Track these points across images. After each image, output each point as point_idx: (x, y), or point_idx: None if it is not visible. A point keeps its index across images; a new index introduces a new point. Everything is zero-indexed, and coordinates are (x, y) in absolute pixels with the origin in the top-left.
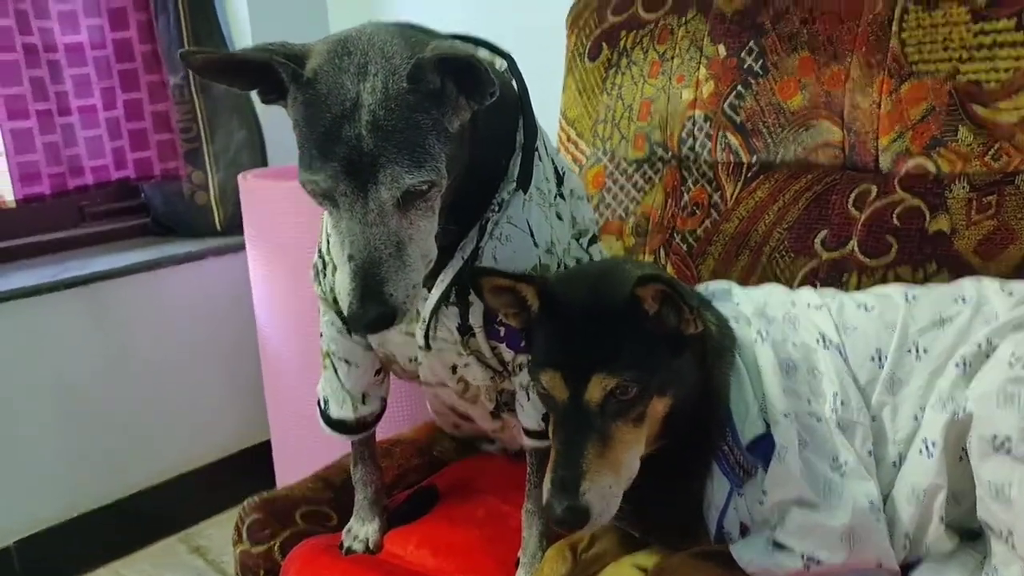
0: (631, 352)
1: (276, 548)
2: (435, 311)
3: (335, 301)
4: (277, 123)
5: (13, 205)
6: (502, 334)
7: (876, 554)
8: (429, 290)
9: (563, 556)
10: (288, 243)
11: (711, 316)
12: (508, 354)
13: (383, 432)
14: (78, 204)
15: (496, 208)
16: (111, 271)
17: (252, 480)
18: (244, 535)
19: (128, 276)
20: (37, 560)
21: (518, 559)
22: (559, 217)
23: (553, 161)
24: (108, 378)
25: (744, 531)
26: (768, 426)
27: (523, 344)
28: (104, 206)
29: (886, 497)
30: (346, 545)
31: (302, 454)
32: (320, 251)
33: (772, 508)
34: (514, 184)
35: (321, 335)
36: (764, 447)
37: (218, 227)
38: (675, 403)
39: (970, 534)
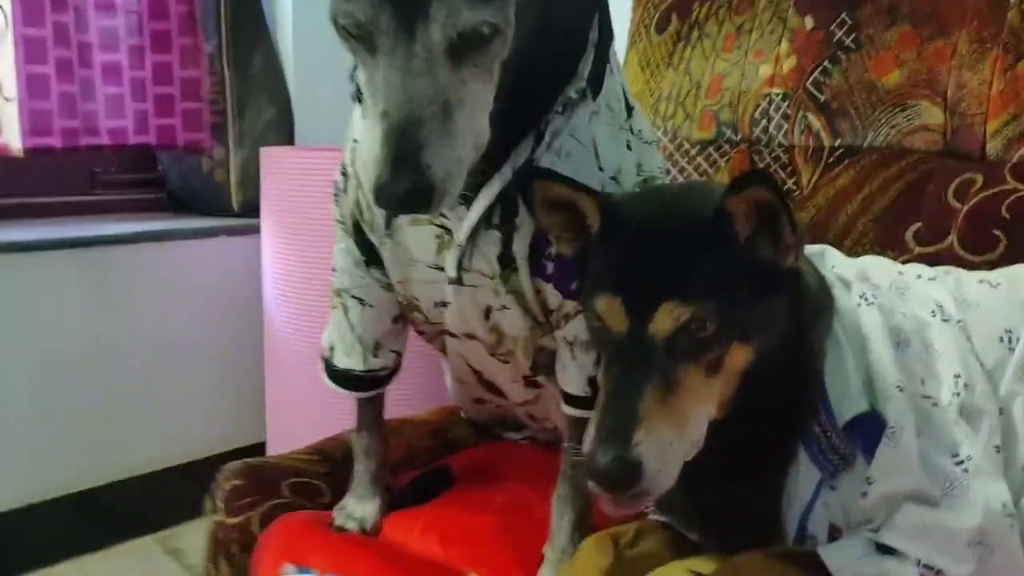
0: (713, 280)
1: (255, 520)
2: (473, 234)
3: (355, 225)
4: (310, 103)
5: (20, 154)
6: (549, 271)
7: (1009, 568)
8: (467, 207)
9: (603, 549)
10: (306, 223)
11: (807, 268)
12: (554, 299)
13: (390, 414)
14: (90, 169)
15: (559, 110)
16: (115, 236)
17: None
18: (219, 502)
19: (133, 244)
20: None
21: (543, 554)
22: (628, 147)
23: (623, 88)
24: (96, 353)
25: (834, 534)
26: (872, 406)
27: (574, 287)
28: (117, 175)
29: (1016, 505)
30: (337, 523)
31: None
32: (343, 165)
33: (878, 502)
34: (584, 85)
35: (334, 270)
36: (867, 429)
37: (235, 207)
38: (759, 358)
39: None
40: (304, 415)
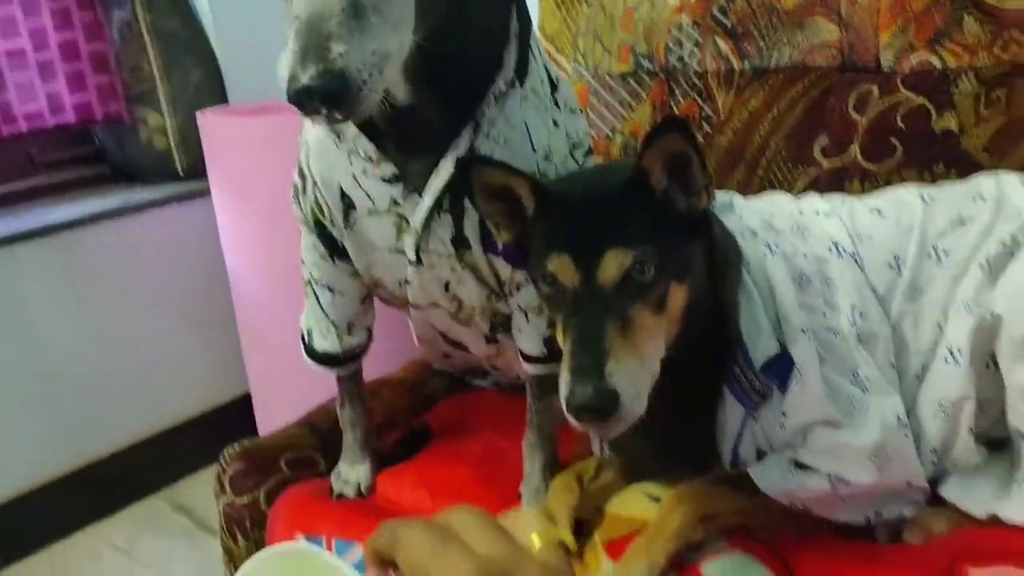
0: (644, 227)
1: (262, 497)
2: (427, 220)
3: (316, 222)
4: (237, 60)
5: None
6: (500, 247)
7: (905, 472)
8: (420, 195)
9: (570, 487)
10: (255, 183)
11: (715, 225)
12: (505, 271)
13: (369, 375)
14: (27, 152)
15: (491, 102)
16: (72, 221)
17: (233, 434)
18: (227, 486)
19: (90, 225)
20: (9, 529)
21: (520, 494)
22: (555, 124)
23: (546, 67)
24: (72, 335)
25: (761, 457)
26: (782, 346)
27: (524, 262)
28: (56, 154)
29: (909, 411)
30: (336, 490)
31: (283, 404)
32: (300, 167)
33: (794, 431)
34: (511, 74)
35: (303, 262)
36: (780, 368)
37: (179, 172)
38: (691, 298)
39: (995, 444)
40: (280, 360)
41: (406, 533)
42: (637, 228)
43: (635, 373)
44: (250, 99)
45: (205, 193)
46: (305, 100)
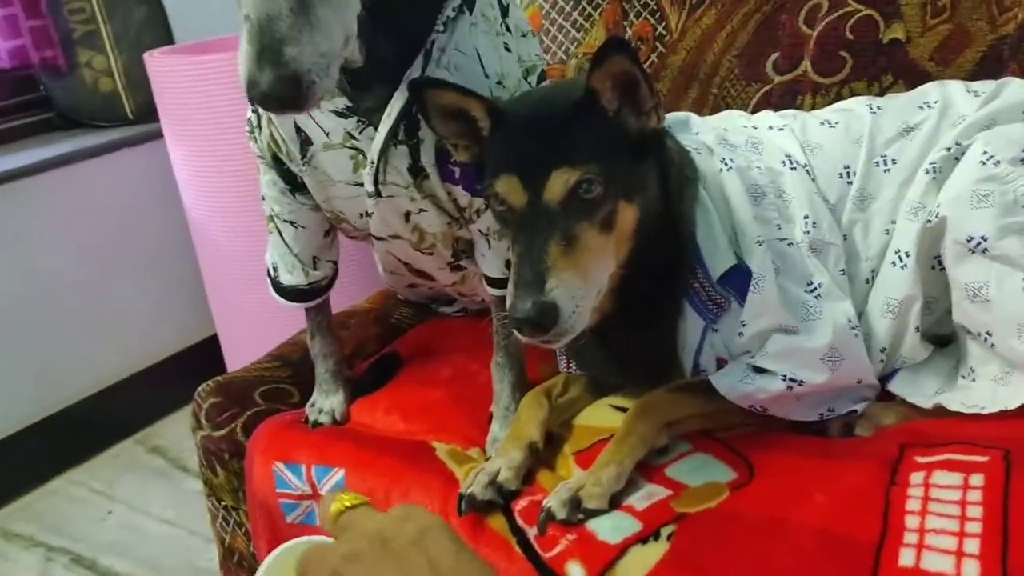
0: (592, 147)
1: (238, 429)
2: (383, 151)
3: (274, 157)
4: None
5: None
6: (457, 176)
7: (856, 371)
8: (375, 128)
9: (539, 402)
10: (208, 122)
11: (671, 143)
12: (464, 198)
13: (336, 306)
14: None
15: (441, 29)
16: (15, 171)
17: (203, 375)
18: (203, 420)
19: (36, 175)
20: None
21: (491, 413)
22: (507, 48)
23: None
24: (29, 288)
25: (721, 366)
26: (739, 258)
27: (479, 186)
28: (2, 102)
29: (860, 314)
30: (312, 419)
31: (252, 344)
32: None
33: (752, 338)
34: (459, 2)
35: (263, 198)
36: (737, 279)
37: (129, 115)
38: (643, 219)
39: (940, 340)
40: (246, 299)
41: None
42: (584, 148)
43: (576, 289)
44: (195, 37)
45: (158, 135)
46: (263, 103)
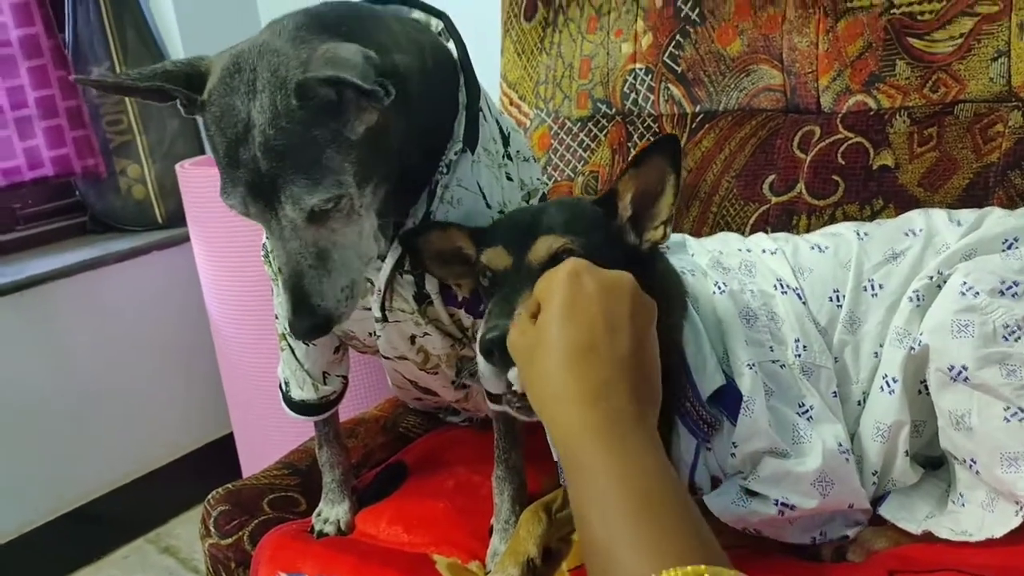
0: (584, 227)
1: (245, 538)
2: (390, 281)
3: None
4: None
5: None
6: (459, 300)
7: (847, 496)
8: (383, 260)
9: (538, 517)
10: (233, 231)
11: (659, 263)
12: (467, 320)
13: (346, 412)
14: (11, 206)
15: (444, 170)
16: (49, 273)
17: (217, 474)
18: (211, 528)
19: (68, 277)
20: None
21: (491, 526)
22: (509, 178)
23: (498, 122)
24: (54, 385)
25: (716, 484)
26: (729, 378)
27: (482, 308)
28: (37, 207)
29: (853, 436)
30: (317, 529)
31: (266, 444)
32: None
33: (744, 459)
34: (460, 144)
35: (276, 317)
36: (728, 399)
37: (159, 220)
38: None
39: (932, 462)
40: (262, 401)
41: None
42: (576, 225)
43: None
44: None
45: (185, 240)
46: (304, 340)
